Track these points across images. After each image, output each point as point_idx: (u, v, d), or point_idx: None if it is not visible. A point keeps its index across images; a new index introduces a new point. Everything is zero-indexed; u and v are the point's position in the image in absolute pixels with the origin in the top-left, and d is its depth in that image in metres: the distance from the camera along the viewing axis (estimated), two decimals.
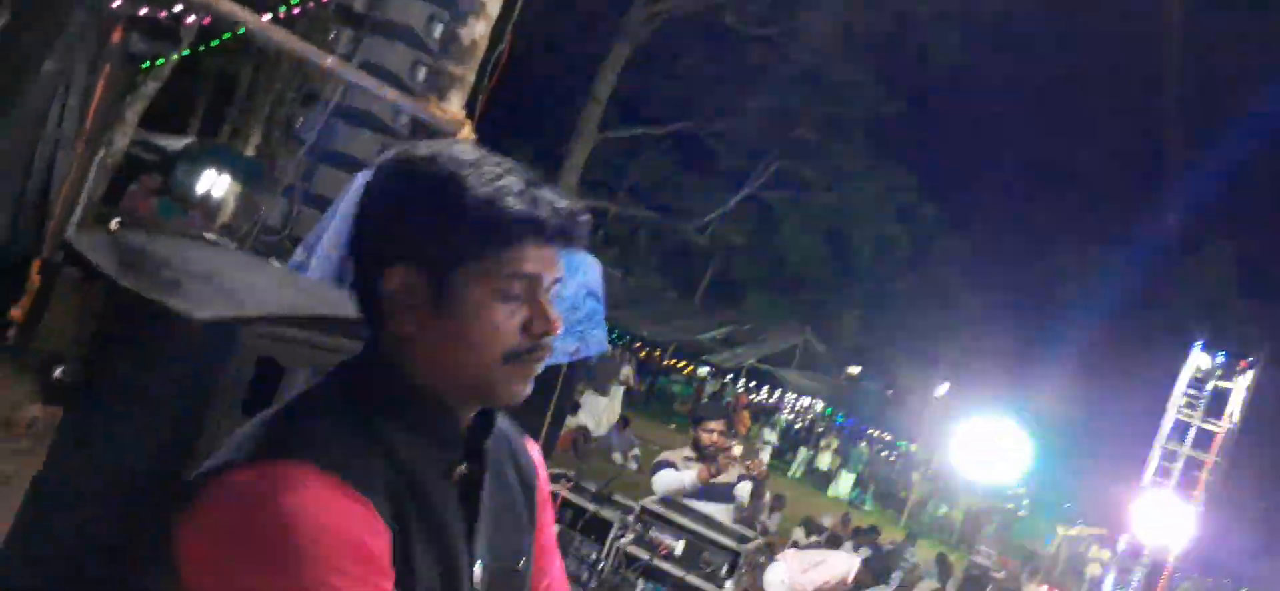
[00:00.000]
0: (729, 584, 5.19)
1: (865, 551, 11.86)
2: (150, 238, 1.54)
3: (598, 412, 15.49)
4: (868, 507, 22.25)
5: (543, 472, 1.38)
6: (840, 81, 21.97)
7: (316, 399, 1.14)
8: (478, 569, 1.17)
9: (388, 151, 1.21)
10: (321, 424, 1.09)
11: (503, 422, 1.29)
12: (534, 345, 1.15)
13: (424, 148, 1.16)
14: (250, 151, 16.82)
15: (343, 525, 1.01)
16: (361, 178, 4.29)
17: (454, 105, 5.55)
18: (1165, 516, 12.98)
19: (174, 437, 1.52)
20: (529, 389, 1.18)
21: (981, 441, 11.42)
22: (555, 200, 1.14)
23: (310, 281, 3.09)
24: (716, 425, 5.83)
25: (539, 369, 1.19)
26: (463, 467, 1.18)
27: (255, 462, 1.04)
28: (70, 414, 1.70)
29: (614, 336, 24.61)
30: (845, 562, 7.11)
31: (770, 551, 10.75)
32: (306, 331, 1.47)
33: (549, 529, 1.39)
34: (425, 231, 1.12)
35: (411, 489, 1.10)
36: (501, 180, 1.12)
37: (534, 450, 1.38)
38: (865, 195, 25.37)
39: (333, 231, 3.61)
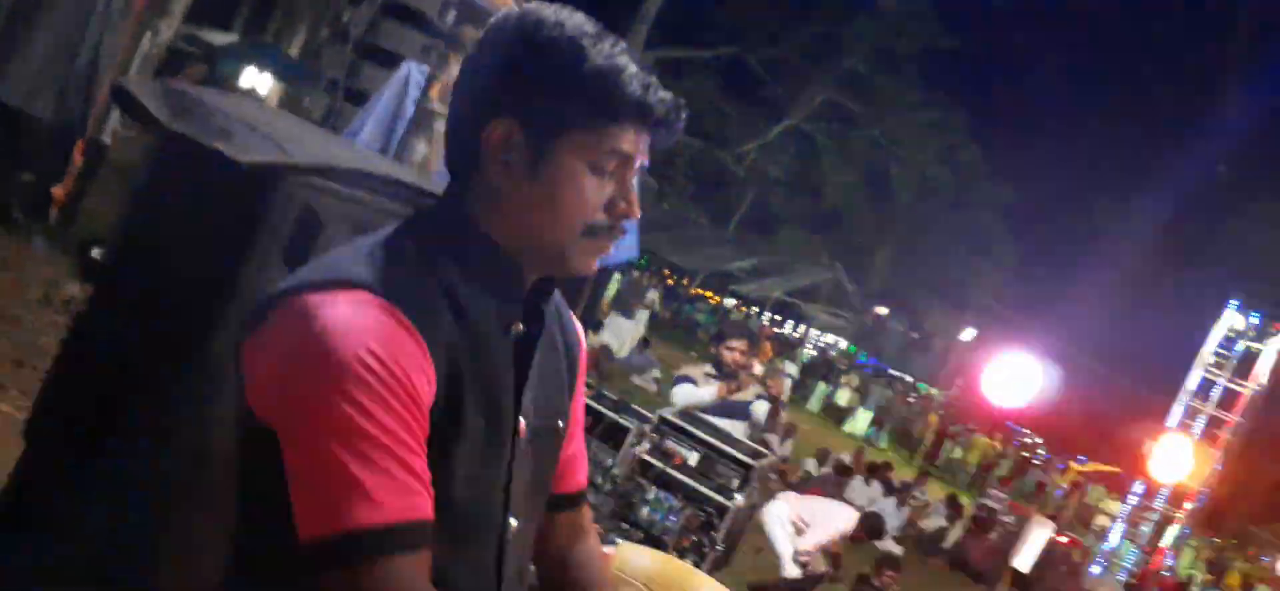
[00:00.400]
0: (739, 497, 5.30)
1: (876, 487, 12.02)
2: (201, 90, 1.61)
3: (622, 334, 15.64)
4: (883, 446, 22.38)
5: (583, 343, 1.44)
6: (897, 11, 21.49)
7: (389, 240, 1.19)
8: (523, 424, 1.23)
9: (503, 14, 1.22)
10: (392, 262, 1.14)
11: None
12: (613, 223, 1.21)
13: (551, 9, 1.19)
14: (295, 50, 16.84)
15: (396, 357, 1.06)
16: (405, 68, 4.36)
17: None
18: (1182, 459, 12.98)
19: (212, 282, 1.56)
20: (596, 266, 1.24)
21: (1005, 372, 11.40)
22: (663, 90, 1.19)
23: (356, 145, 3.17)
24: (739, 344, 5.91)
25: (610, 249, 1.25)
26: (520, 326, 1.24)
27: (323, 287, 1.09)
28: (111, 260, 1.76)
29: (643, 261, 24.64)
30: (843, 518, 7.21)
31: (782, 477, 10.91)
32: (350, 187, 1.54)
33: (581, 398, 1.45)
34: (539, 90, 1.16)
35: (470, 339, 1.15)
36: (619, 58, 1.17)
37: (576, 322, 1.44)
38: (910, 132, 24.91)
39: (375, 120, 3.67)
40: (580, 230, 1.19)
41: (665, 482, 5.42)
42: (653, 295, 22.61)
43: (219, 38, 15.46)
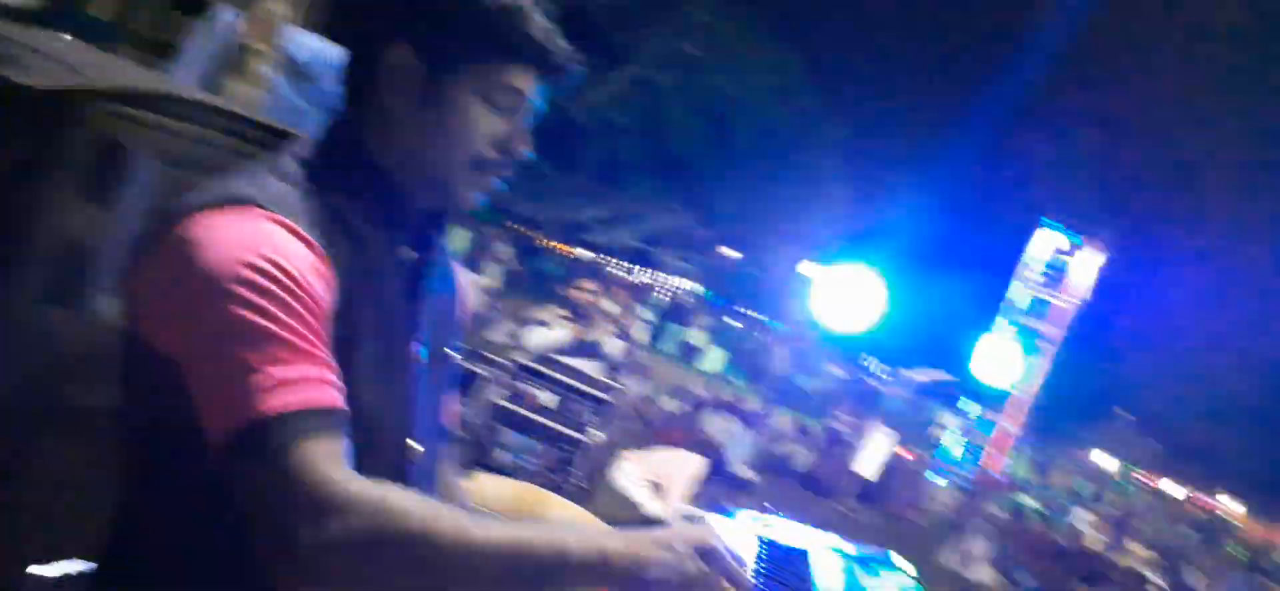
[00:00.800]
0: (598, 433, 5.39)
1: (731, 418, 12.40)
2: None
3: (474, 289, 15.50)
4: (737, 381, 23.06)
5: (464, 281, 1.44)
6: None
7: (278, 164, 1.16)
8: (418, 350, 1.23)
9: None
10: (281, 182, 1.12)
11: None
12: (500, 160, 1.22)
13: None
14: (103, 11, 15.71)
15: (292, 261, 1.04)
16: (217, 12, 4.14)
17: None
18: (1006, 365, 13.80)
19: (9, 218, 1.48)
20: (479, 202, 1.25)
21: (837, 289, 11.63)
22: (561, 38, 1.22)
23: (161, 74, 3.01)
24: (590, 285, 5.99)
25: (494, 186, 1.25)
26: (412, 252, 1.24)
27: (211, 206, 1.05)
28: None
29: (493, 216, 24.38)
30: (691, 465, 7.46)
31: (640, 416, 11.11)
32: (157, 115, 1.46)
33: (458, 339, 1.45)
34: (442, 21, 1.16)
35: (362, 260, 1.14)
36: (524, 1, 1.18)
37: (457, 265, 1.44)
38: (751, 76, 25.46)
39: (186, 68, 3.49)
40: (468, 162, 1.20)
41: (523, 426, 5.46)
42: (504, 249, 22.44)
43: (17, 1, 14.27)
